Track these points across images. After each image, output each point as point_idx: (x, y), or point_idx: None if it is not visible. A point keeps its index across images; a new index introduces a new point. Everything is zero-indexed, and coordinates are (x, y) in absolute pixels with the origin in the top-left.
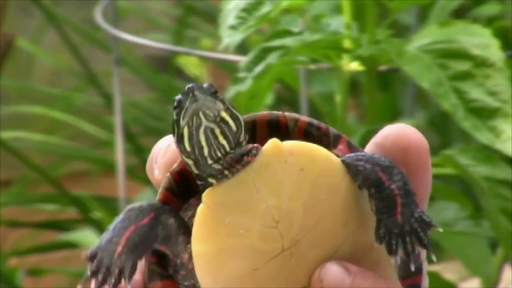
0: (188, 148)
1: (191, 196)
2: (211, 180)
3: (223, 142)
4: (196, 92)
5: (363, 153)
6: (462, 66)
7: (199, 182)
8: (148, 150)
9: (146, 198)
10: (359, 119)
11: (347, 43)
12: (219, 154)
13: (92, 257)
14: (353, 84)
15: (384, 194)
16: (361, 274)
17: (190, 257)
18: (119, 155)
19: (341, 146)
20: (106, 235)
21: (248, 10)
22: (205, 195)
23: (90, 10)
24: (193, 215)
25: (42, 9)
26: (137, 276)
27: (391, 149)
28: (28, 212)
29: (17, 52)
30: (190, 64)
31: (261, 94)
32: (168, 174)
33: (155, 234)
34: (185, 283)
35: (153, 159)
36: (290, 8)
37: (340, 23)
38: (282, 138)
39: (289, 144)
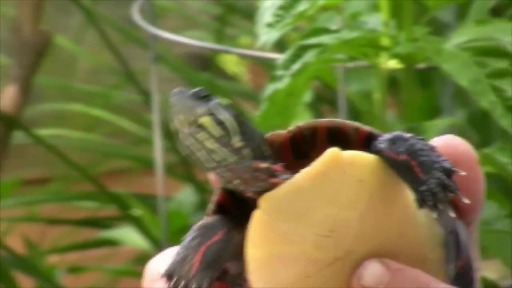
0: (182, 151)
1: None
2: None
3: (212, 146)
4: (174, 98)
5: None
6: (500, 64)
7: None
8: None
9: (185, 195)
10: (397, 117)
11: (384, 41)
12: (216, 158)
13: (168, 276)
14: (392, 82)
15: (399, 166)
16: (401, 271)
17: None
18: (158, 152)
19: None
20: (180, 253)
21: (285, 8)
22: (262, 201)
23: (128, 8)
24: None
25: (82, 8)
26: None
27: None
28: (68, 210)
29: (57, 50)
30: (229, 62)
31: (299, 92)
32: None
33: (229, 249)
34: (237, 285)
35: None
36: (327, 5)
37: (377, 20)
38: (342, 146)
39: (349, 154)
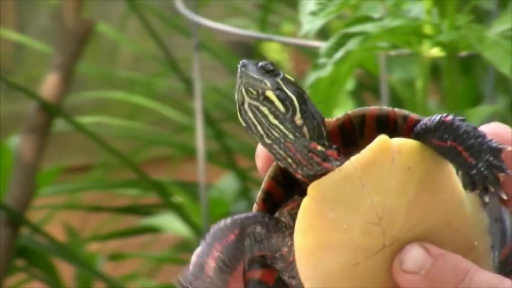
0: (242, 122)
1: (295, 187)
2: (298, 175)
3: (275, 121)
4: (242, 69)
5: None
6: None
7: (298, 176)
8: (229, 136)
9: (226, 183)
10: (439, 105)
11: (427, 29)
12: (276, 134)
13: (184, 283)
14: (434, 69)
15: (448, 152)
16: (442, 256)
17: (290, 249)
18: (199, 140)
19: None
20: (195, 258)
21: None
22: (311, 188)
23: None
24: (295, 209)
25: None
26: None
27: None
28: (109, 197)
29: (99, 38)
30: (272, 49)
31: (341, 80)
32: (275, 163)
33: (242, 248)
34: (285, 274)
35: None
36: None
37: (420, 9)
38: (390, 134)
39: (398, 141)
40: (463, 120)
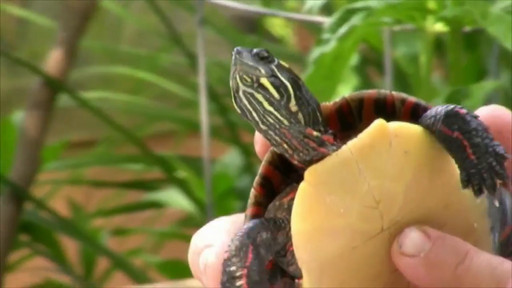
0: (237, 109)
1: (293, 171)
2: (295, 161)
3: (270, 108)
4: (237, 56)
5: (435, 109)
6: None
7: (295, 162)
8: (233, 111)
9: (230, 158)
10: (443, 80)
11: (431, 4)
12: (271, 120)
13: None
14: (438, 44)
15: (451, 143)
16: (441, 239)
17: (287, 235)
18: (203, 115)
19: None
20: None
21: None
22: (308, 173)
23: None
24: (293, 198)
25: None
26: None
27: None
28: (113, 172)
29: (103, 13)
30: (276, 24)
31: (345, 55)
32: (271, 148)
33: (261, 259)
34: (281, 259)
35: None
36: None
37: None
38: (388, 117)
39: (395, 125)
40: (476, 117)
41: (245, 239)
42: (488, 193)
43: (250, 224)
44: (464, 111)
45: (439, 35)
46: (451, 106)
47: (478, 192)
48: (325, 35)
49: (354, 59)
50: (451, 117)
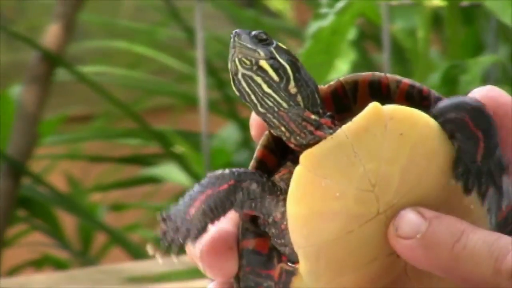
0: (236, 92)
1: (288, 154)
2: (291, 144)
3: (269, 91)
4: (235, 39)
5: (451, 101)
6: None
7: (291, 145)
8: (230, 85)
9: (228, 133)
10: (441, 54)
11: None
12: (269, 103)
13: (165, 219)
14: (436, 19)
15: (469, 138)
16: (437, 219)
17: (283, 216)
18: (201, 89)
19: None
20: (183, 199)
21: None
22: (303, 157)
23: None
24: (286, 174)
25: None
26: (233, 229)
27: None
28: (111, 147)
29: None
30: None
31: (343, 29)
32: (267, 132)
33: (232, 200)
34: (277, 241)
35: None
36: None
37: None
38: (383, 99)
39: (390, 108)
40: (492, 118)
41: (229, 174)
42: (477, 196)
43: (249, 170)
44: (488, 112)
45: (437, 10)
46: (478, 104)
47: (467, 191)
48: (323, 9)
49: (352, 34)
50: (478, 113)
